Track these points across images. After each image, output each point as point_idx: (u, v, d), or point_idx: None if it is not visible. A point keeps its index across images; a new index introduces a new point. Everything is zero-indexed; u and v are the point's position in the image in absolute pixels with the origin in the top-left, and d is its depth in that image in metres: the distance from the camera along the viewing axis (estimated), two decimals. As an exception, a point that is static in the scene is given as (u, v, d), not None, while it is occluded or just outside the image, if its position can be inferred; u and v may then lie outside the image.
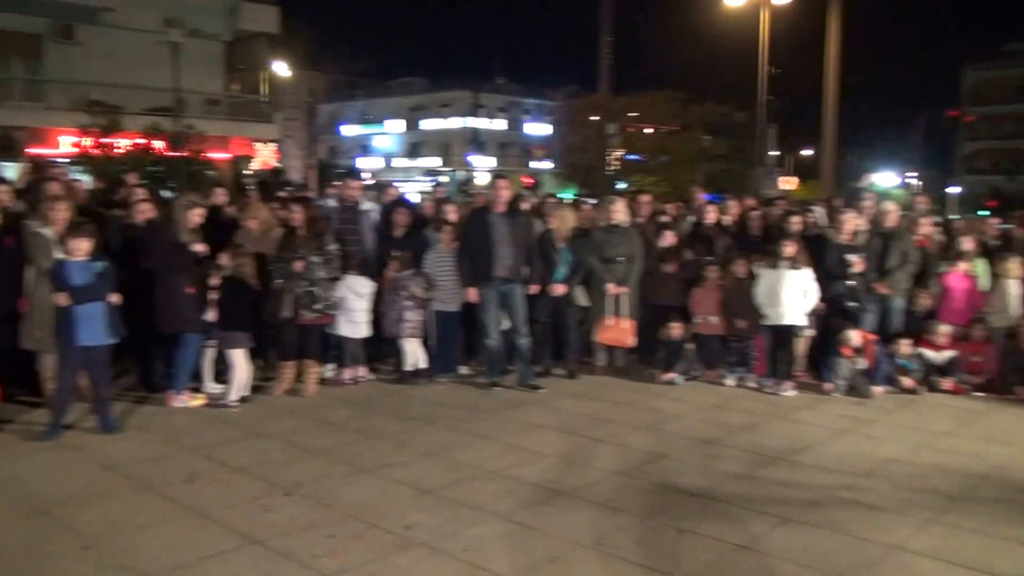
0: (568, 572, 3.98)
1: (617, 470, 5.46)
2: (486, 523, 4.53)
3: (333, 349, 7.86)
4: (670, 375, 8.01)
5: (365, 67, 43.48)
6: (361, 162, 56.23)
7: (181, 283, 6.72)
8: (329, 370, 7.86)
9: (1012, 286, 7.98)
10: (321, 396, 7.31)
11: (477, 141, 51.20)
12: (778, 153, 44.94)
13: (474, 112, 50.68)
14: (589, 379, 8.15)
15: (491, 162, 54.67)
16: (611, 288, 8.02)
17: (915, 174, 44.29)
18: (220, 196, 8.41)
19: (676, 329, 8.09)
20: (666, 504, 4.87)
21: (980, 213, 30.65)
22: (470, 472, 5.37)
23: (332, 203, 8.70)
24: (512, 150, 57.92)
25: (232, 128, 25.72)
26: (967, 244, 8.25)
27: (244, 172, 24.53)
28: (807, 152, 46.11)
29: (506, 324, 7.80)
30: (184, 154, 20.24)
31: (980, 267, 8.30)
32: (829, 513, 4.75)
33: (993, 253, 8.35)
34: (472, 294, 7.59)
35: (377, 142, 60.85)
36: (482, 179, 49.66)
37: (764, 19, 23.50)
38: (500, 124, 57.55)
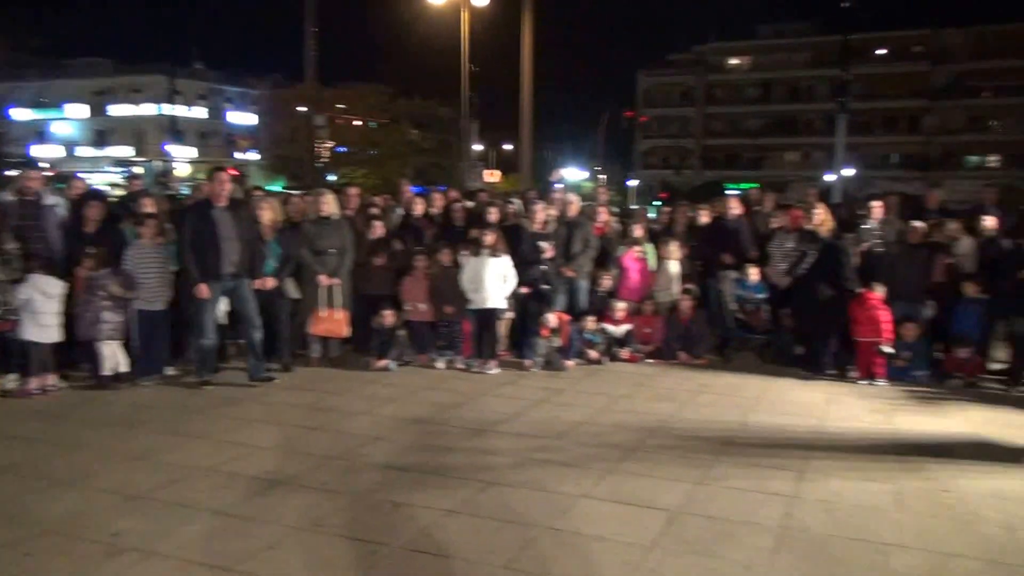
0: (286, 556, 4.10)
1: (334, 455, 5.63)
2: (201, 520, 4.49)
3: (16, 357, 7.17)
4: (384, 362, 8.30)
5: (37, 43, 38.87)
6: (37, 150, 50.23)
7: None
8: (11, 380, 7.16)
9: (672, 266, 9.28)
10: (2, 409, 6.66)
11: (175, 130, 47.82)
12: (482, 148, 47.15)
13: (170, 99, 47.22)
14: (304, 371, 8.20)
15: (191, 152, 51.45)
16: (323, 280, 8.13)
17: (600, 168, 48.73)
18: None
19: (388, 317, 8.40)
20: (382, 482, 5.13)
21: (655, 203, 34.58)
22: (182, 472, 5.25)
23: (8, 197, 7.87)
24: (214, 140, 54.96)
25: None
26: (638, 231, 9.44)
27: None
28: (508, 147, 48.87)
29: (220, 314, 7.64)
30: None
31: (649, 250, 9.53)
32: (527, 473, 5.31)
33: (658, 238, 9.62)
34: (204, 291, 7.31)
35: (56, 128, 54.68)
36: (182, 170, 46.66)
37: (464, 19, 24.60)
38: (200, 112, 54.29)
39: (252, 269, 7.59)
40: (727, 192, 22.18)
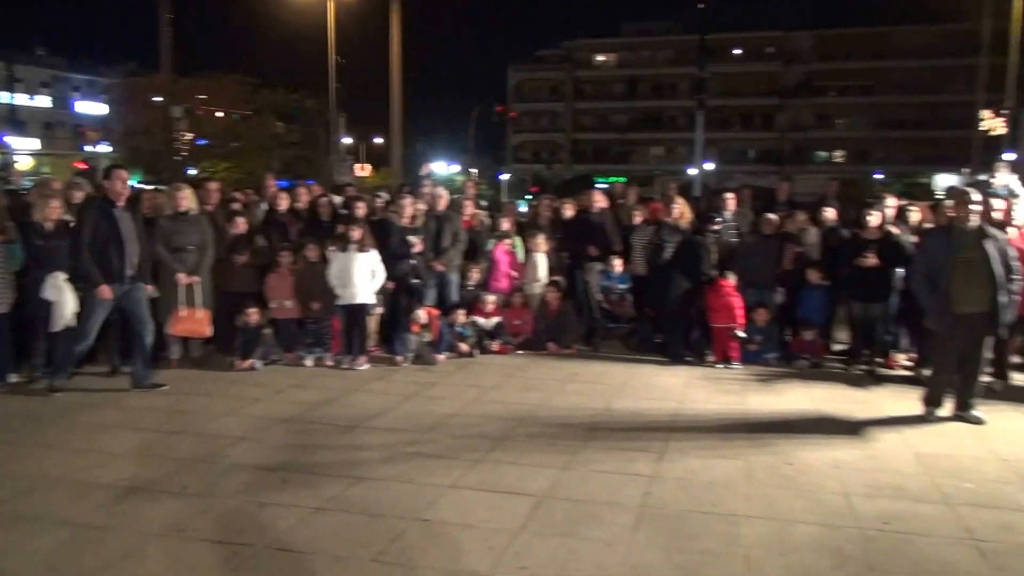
0: (145, 563, 3.97)
1: (196, 458, 5.46)
2: (50, 532, 4.27)
3: None
4: (249, 362, 8.09)
5: None
6: None
7: None
8: None
9: (540, 259, 9.48)
10: None
11: (14, 120, 44.53)
12: (351, 141, 46.41)
13: (9, 86, 43.95)
14: (163, 373, 7.83)
15: (34, 144, 48.10)
16: (182, 278, 7.82)
17: (472, 162, 48.85)
18: None
19: (252, 315, 8.19)
20: (247, 483, 5.02)
21: (527, 197, 35.05)
22: (30, 484, 4.96)
23: None
24: (61, 131, 51.57)
25: None
26: (506, 224, 9.59)
27: None
28: (379, 140, 48.28)
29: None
30: None
31: (518, 243, 9.68)
32: (397, 467, 5.32)
33: (525, 231, 9.80)
34: (106, 291, 6.93)
35: None
36: (23, 163, 43.58)
37: (331, 9, 24.16)
38: (44, 101, 50.81)
39: (144, 272, 7.33)
40: (596, 185, 22.86)
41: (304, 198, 9.50)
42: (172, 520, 4.43)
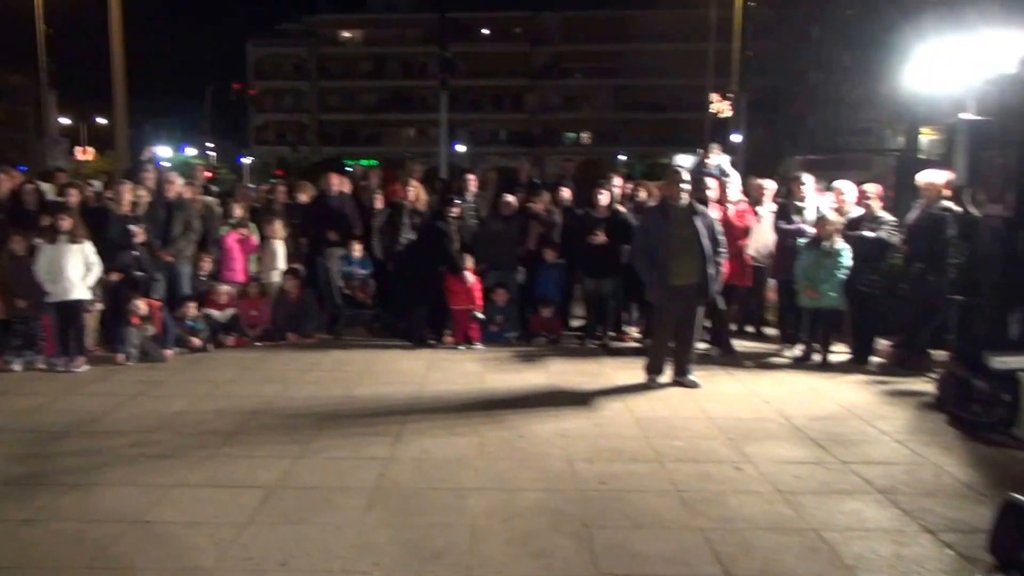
0: None
1: None
2: None
3: None
4: (-58, 369, 7.20)
5: None
6: None
7: None
8: None
9: (278, 246, 9.22)
10: None
11: None
12: (69, 121, 42.05)
13: None
14: None
15: None
16: None
17: (212, 144, 46.16)
18: None
19: (-56, 318, 7.28)
20: (-65, 505, 4.51)
21: (272, 181, 33.72)
22: None
23: None
24: None
25: None
26: (238, 210, 9.21)
27: None
28: (103, 121, 44.10)
29: None
30: None
31: (253, 230, 9.33)
32: (117, 471, 5.02)
33: (260, 217, 9.46)
34: None
35: None
36: None
37: (35, -27, 21.60)
38: None
39: None
40: (346, 168, 22.42)
41: (6, 185, 8.54)
42: None
